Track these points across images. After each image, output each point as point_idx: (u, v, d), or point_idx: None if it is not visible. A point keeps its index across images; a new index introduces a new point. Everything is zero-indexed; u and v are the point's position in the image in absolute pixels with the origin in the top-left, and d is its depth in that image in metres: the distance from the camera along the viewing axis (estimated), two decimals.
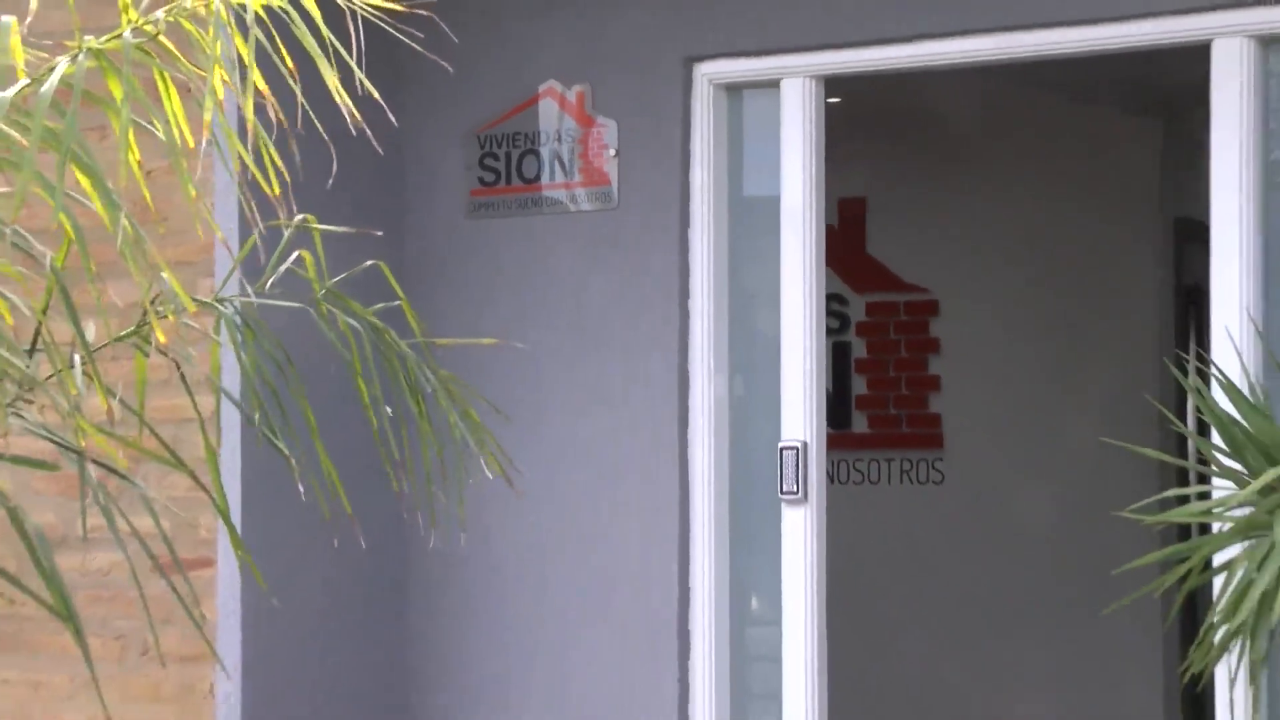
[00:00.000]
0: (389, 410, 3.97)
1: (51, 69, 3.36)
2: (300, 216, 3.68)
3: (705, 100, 7.45)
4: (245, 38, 3.52)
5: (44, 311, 3.46)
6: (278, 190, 3.66)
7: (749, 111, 7.49)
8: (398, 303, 4.14)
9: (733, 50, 7.40)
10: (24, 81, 3.35)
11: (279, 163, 3.61)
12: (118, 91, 3.44)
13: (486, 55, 7.47)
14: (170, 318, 3.65)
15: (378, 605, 7.68)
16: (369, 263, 4.12)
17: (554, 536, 7.58)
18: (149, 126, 3.49)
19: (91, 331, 3.55)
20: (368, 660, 7.66)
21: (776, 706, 7.38)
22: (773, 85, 7.41)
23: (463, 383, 4.15)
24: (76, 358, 3.50)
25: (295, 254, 3.75)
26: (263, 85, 3.58)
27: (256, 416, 4.01)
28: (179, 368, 3.78)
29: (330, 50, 3.59)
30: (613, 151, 7.51)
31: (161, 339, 3.64)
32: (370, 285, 4.17)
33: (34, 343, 3.48)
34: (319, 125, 3.86)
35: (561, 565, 7.57)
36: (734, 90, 7.49)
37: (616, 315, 7.49)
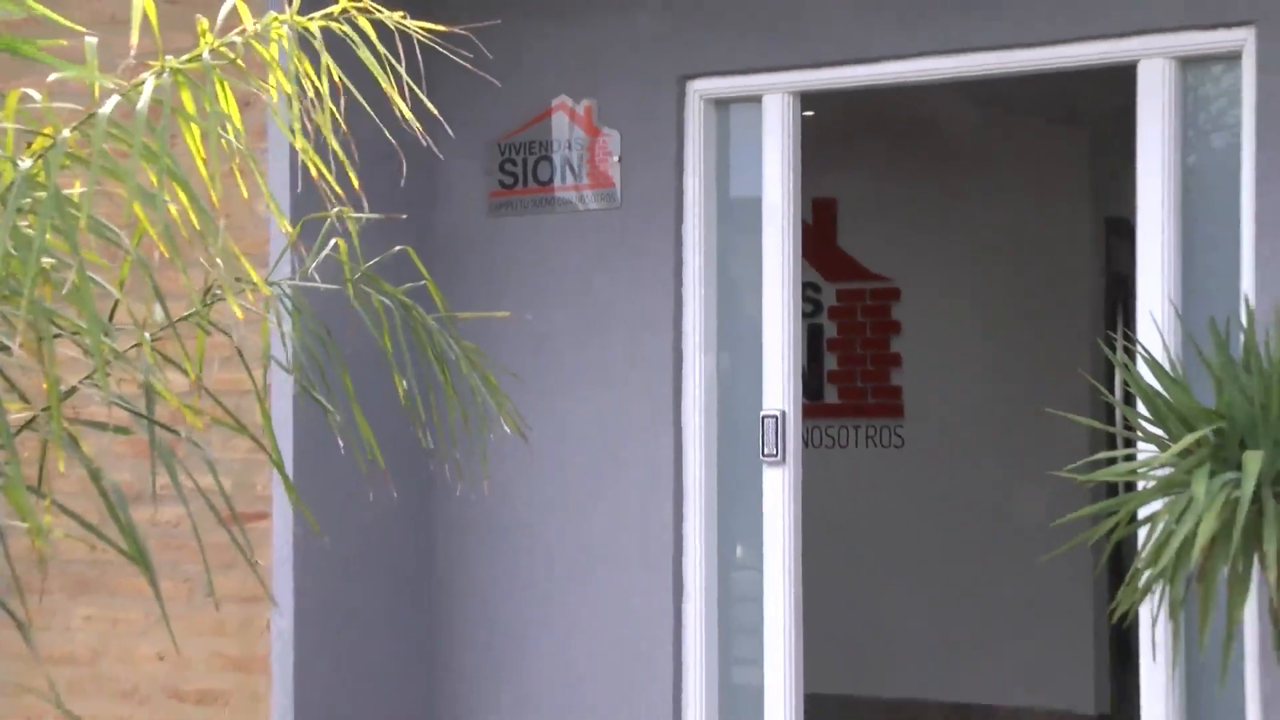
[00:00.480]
0: (405, 380, 4.01)
1: (140, 86, 3.38)
2: (336, 209, 3.69)
3: (696, 113, 7.46)
4: (305, 57, 3.59)
5: (120, 286, 3.48)
6: (357, 186, 3.70)
7: (735, 123, 7.50)
8: (423, 283, 4.15)
9: (720, 70, 7.41)
10: (116, 98, 3.35)
11: (346, 164, 3.65)
12: (189, 104, 3.49)
13: (506, 74, 7.44)
14: (230, 302, 3.68)
15: (410, 550, 7.71)
16: (398, 248, 4.14)
17: (565, 492, 7.60)
18: (222, 134, 3.52)
19: (159, 314, 3.57)
20: (402, 598, 7.69)
21: (758, 640, 7.40)
22: (755, 100, 7.42)
23: (482, 353, 4.17)
24: (146, 335, 3.53)
25: (332, 242, 3.77)
26: (317, 88, 3.60)
27: (297, 375, 4.05)
28: (235, 343, 3.79)
29: (388, 66, 3.62)
30: (616, 158, 7.51)
31: (239, 315, 3.68)
32: (402, 273, 4.19)
33: (109, 320, 3.49)
34: (386, 134, 3.87)
35: (571, 517, 7.60)
36: (721, 104, 7.49)
37: (619, 301, 7.50)
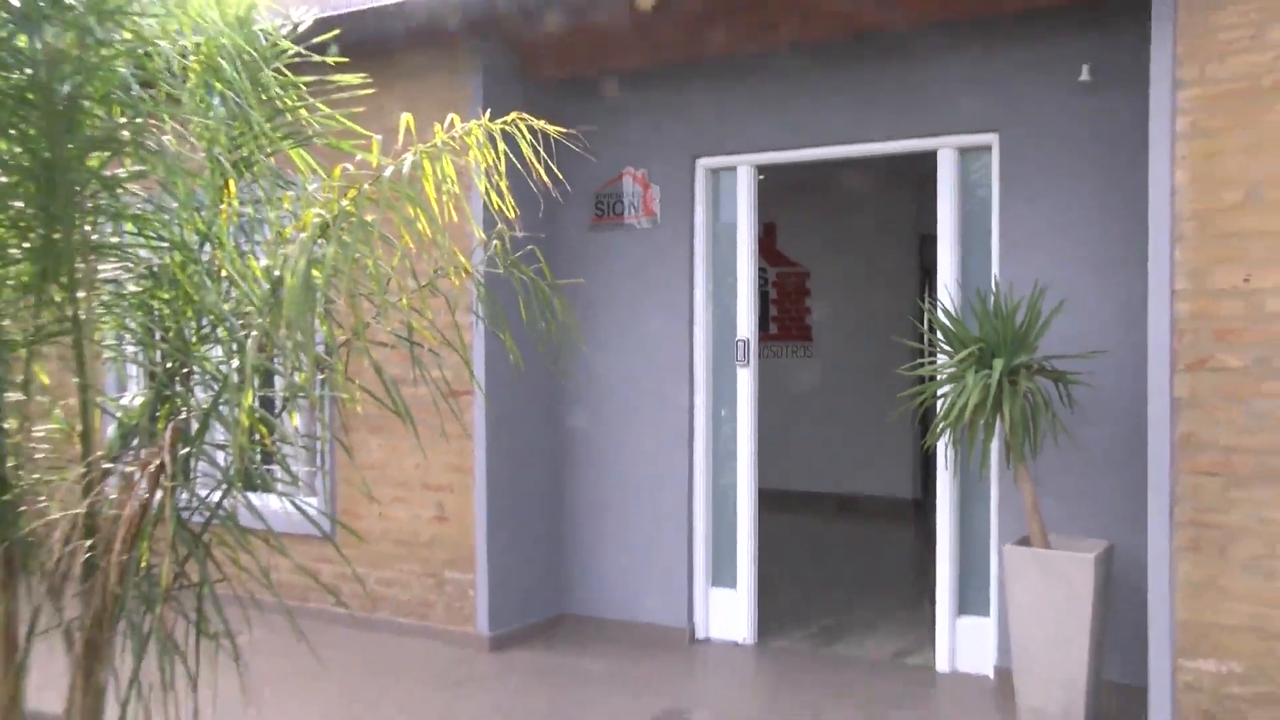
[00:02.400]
0: (530, 318, 3.96)
1: (403, 161, 3.44)
2: (498, 226, 3.71)
3: (701, 177, 7.41)
4: (492, 144, 3.64)
5: (392, 268, 3.54)
6: (514, 215, 3.74)
7: (722, 182, 7.44)
8: (537, 265, 4.15)
9: (714, 153, 7.35)
10: (391, 167, 3.41)
11: (510, 202, 3.68)
12: (429, 169, 3.53)
13: (600, 153, 7.42)
14: (451, 276, 3.72)
15: (543, 412, 7.72)
16: (529, 247, 4.14)
17: (624, 380, 7.59)
18: (445, 186, 3.58)
19: (412, 283, 3.62)
20: (540, 436, 7.70)
21: (734, 461, 7.41)
22: (733, 169, 7.36)
23: (570, 305, 4.21)
24: (404, 296, 3.56)
25: (493, 243, 3.78)
26: (496, 163, 3.61)
27: (484, 318, 4.06)
28: (450, 300, 3.83)
29: (533, 148, 3.65)
30: (658, 201, 7.47)
31: (456, 285, 3.76)
32: (541, 262, 4.19)
33: (386, 285, 3.56)
34: (533, 186, 3.88)
35: (629, 392, 7.59)
36: (715, 172, 7.44)
37: (658, 277, 7.47)
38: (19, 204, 3.35)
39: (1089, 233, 6.19)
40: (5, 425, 3.43)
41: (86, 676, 3.40)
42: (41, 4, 3.18)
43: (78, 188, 3.39)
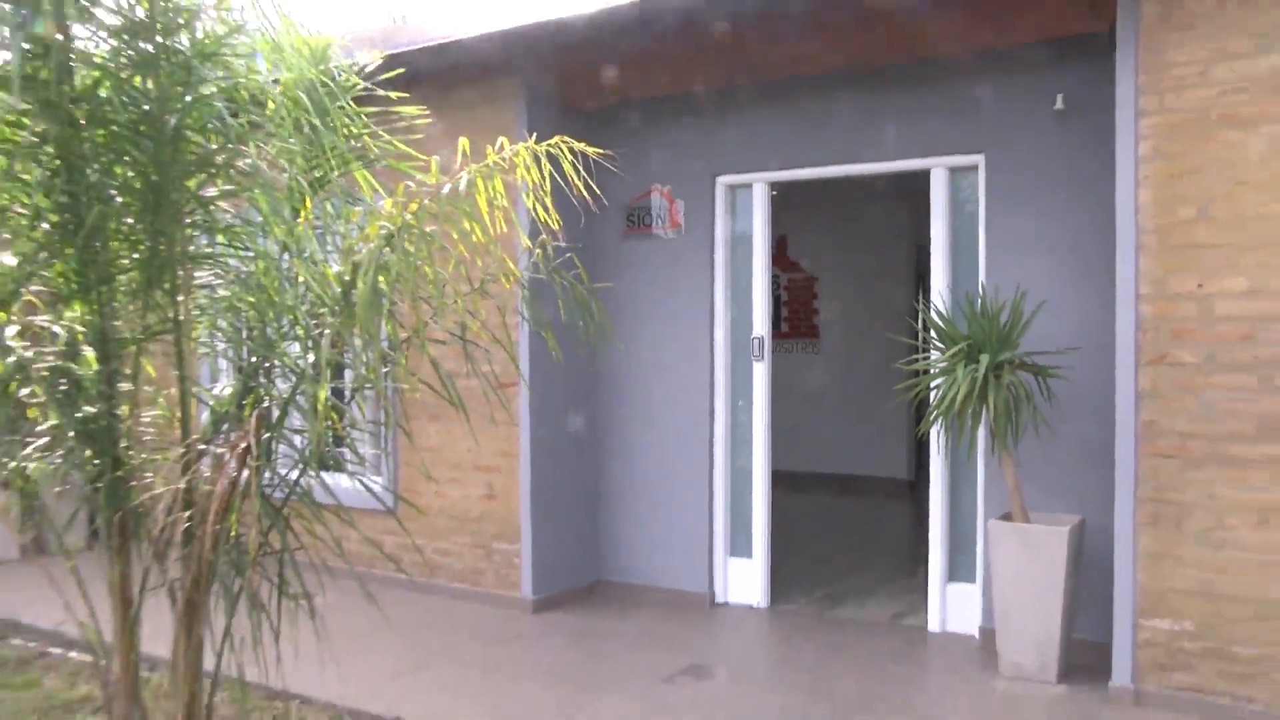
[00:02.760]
0: (570, 317, 3.93)
1: (459, 179, 3.46)
2: (541, 236, 3.74)
3: (721, 192, 7.44)
4: (537, 164, 3.64)
5: (449, 272, 3.58)
6: (556, 227, 3.75)
7: (739, 197, 7.46)
8: (577, 272, 4.18)
9: (732, 171, 7.38)
10: (448, 185, 3.43)
11: (554, 215, 3.70)
12: (482, 186, 3.55)
13: (632, 171, 7.48)
14: (502, 280, 3.76)
15: (581, 399, 7.75)
16: (569, 255, 4.10)
17: (653, 374, 7.63)
18: (496, 200, 3.60)
19: (466, 286, 3.66)
20: (578, 423, 7.72)
21: (749, 446, 7.43)
22: (749, 186, 7.38)
23: (604, 306, 4.18)
24: (458, 300, 3.62)
25: (537, 251, 3.80)
26: (540, 180, 3.67)
27: (529, 319, 4.06)
28: (499, 302, 3.87)
29: (578, 170, 3.68)
30: (682, 214, 7.50)
31: (508, 285, 3.75)
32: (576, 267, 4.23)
33: (443, 288, 3.58)
34: (573, 200, 3.94)
35: (656, 381, 7.62)
36: (732, 188, 7.46)
37: (682, 282, 7.51)
38: (130, 220, 3.47)
39: (1065, 243, 6.22)
40: (118, 412, 3.55)
41: (188, 630, 3.52)
42: (154, 50, 3.30)
43: (179, 206, 3.50)
